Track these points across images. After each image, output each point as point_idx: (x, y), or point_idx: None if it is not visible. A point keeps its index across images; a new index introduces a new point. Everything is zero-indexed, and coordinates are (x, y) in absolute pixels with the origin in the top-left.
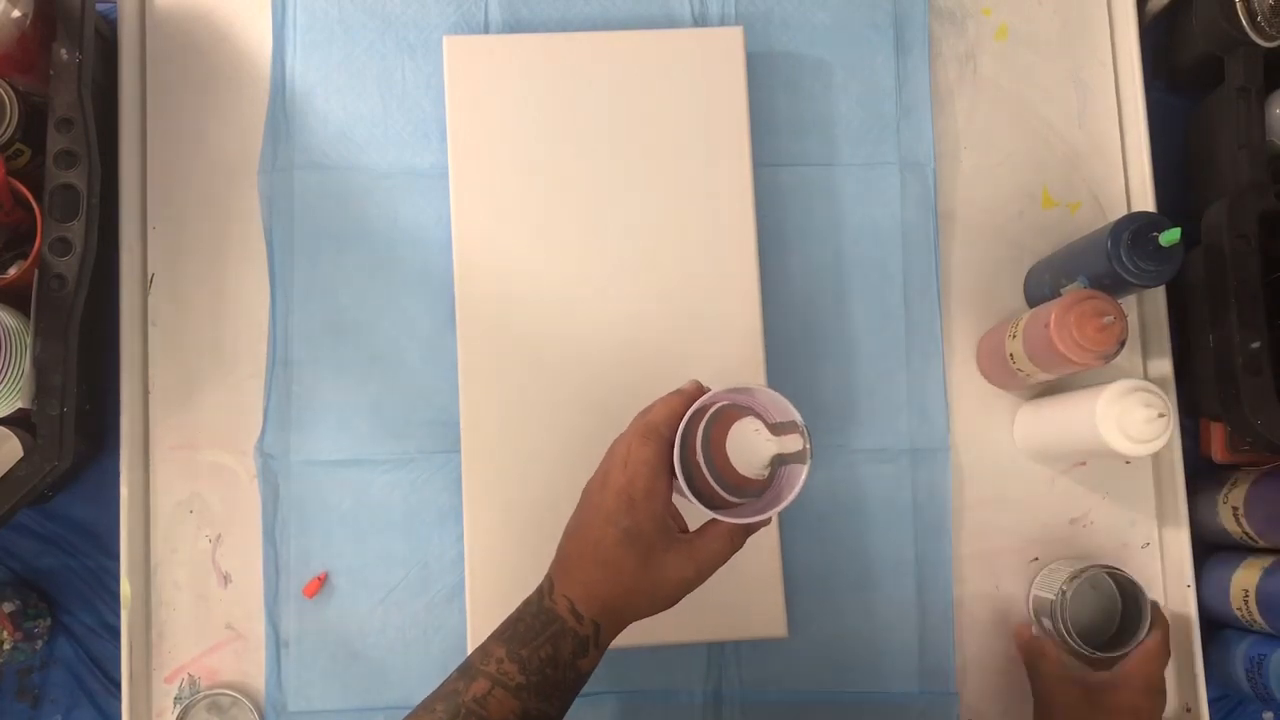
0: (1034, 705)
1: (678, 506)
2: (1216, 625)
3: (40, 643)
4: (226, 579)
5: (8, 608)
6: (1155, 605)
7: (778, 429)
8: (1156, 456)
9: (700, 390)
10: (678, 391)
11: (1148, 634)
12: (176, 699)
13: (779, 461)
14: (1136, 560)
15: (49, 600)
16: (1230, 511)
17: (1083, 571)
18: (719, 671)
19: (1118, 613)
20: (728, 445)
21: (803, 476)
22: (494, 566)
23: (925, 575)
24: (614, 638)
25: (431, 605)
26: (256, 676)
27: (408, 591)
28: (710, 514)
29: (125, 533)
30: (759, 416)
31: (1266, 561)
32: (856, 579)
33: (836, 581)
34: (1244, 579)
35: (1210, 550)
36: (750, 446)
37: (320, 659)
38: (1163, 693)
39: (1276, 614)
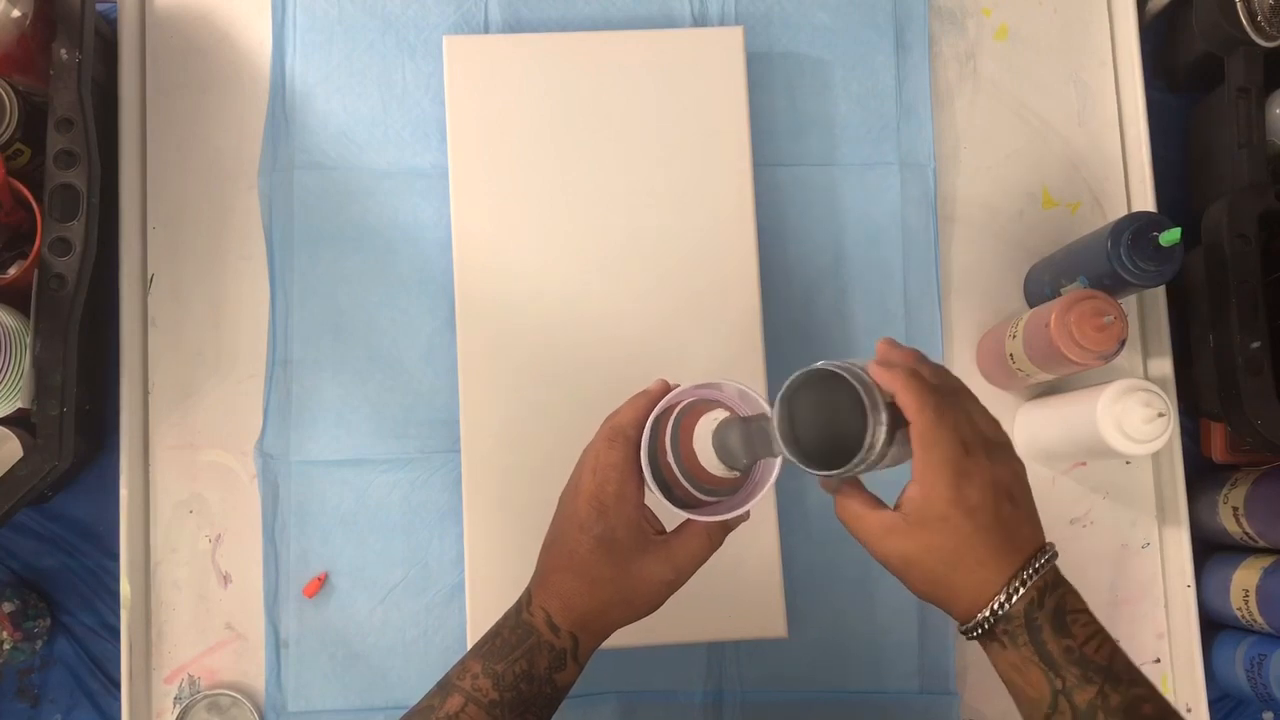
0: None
1: (653, 508)
2: (1216, 625)
3: (40, 643)
4: (226, 579)
5: (8, 608)
6: (900, 388)
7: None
8: (1156, 456)
9: (666, 389)
10: (643, 392)
11: (891, 427)
12: (176, 699)
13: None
14: (1136, 560)
15: (49, 600)
16: (1230, 511)
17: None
18: (719, 671)
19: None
20: (695, 443)
21: (775, 470)
22: (494, 566)
23: None
24: (595, 648)
25: (431, 605)
26: (256, 676)
27: (408, 591)
28: (685, 513)
29: (125, 533)
30: (729, 411)
31: (1266, 561)
32: (856, 579)
33: (836, 581)
34: (1244, 579)
35: (1210, 550)
36: None
37: (320, 659)
38: (968, 474)
39: (1276, 614)
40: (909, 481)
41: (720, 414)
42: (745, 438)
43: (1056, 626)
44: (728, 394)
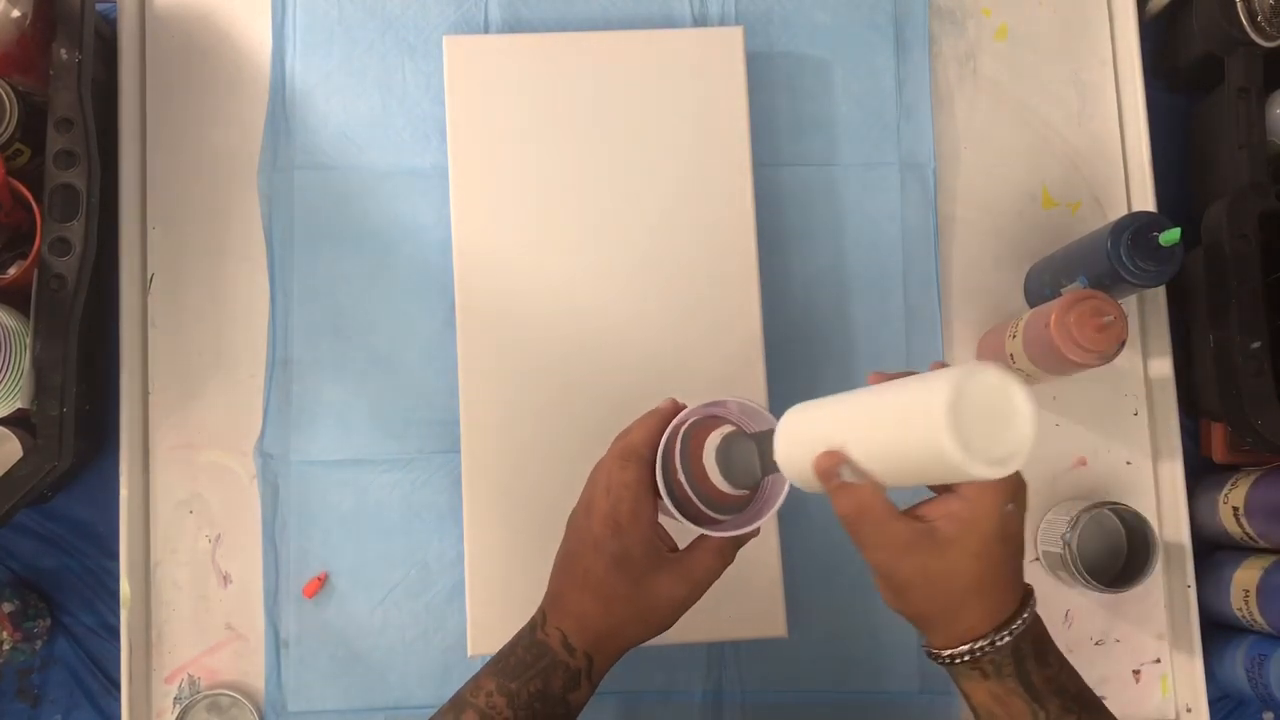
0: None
1: (665, 526)
2: (1216, 625)
3: (40, 643)
4: (226, 579)
5: (8, 608)
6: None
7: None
8: (1156, 457)
9: (676, 408)
10: (654, 411)
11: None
12: (176, 699)
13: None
14: None
15: (49, 600)
16: (1230, 511)
17: (1085, 513)
18: (719, 671)
19: (1124, 548)
20: (705, 460)
21: (786, 484)
22: (494, 566)
23: None
24: (608, 668)
25: (431, 605)
26: (256, 677)
27: (408, 591)
28: (698, 530)
29: (125, 533)
30: (738, 429)
31: (1266, 561)
32: (856, 579)
33: (836, 581)
34: (1244, 579)
35: (1210, 550)
36: None
37: (320, 659)
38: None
39: (1276, 614)
40: (939, 499)
41: (728, 429)
42: (754, 453)
43: (1038, 657)
44: (734, 411)
